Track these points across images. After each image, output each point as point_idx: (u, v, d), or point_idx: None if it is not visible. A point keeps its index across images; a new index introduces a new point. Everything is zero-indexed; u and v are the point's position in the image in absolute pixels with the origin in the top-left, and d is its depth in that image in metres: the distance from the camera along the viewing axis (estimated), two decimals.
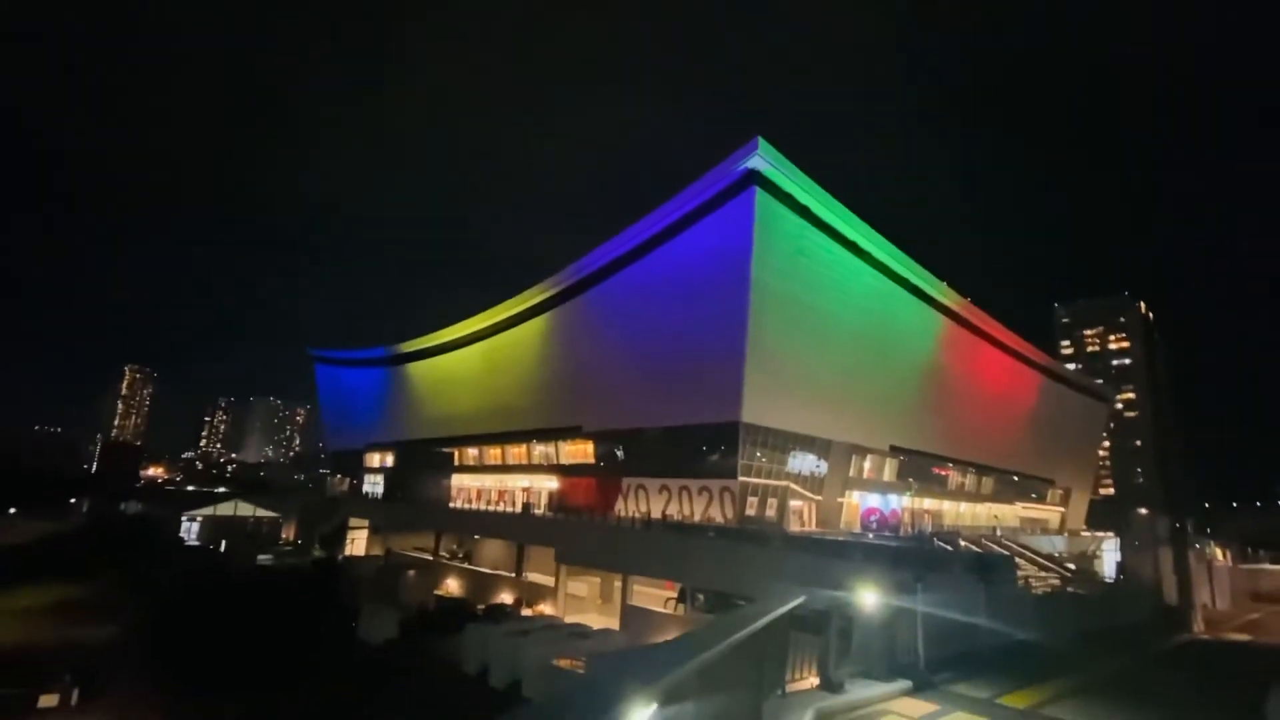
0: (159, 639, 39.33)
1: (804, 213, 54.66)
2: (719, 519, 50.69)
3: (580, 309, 67.89)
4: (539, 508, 67.11)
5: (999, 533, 66.19)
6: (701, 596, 36.61)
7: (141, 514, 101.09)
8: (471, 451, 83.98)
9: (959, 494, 79.45)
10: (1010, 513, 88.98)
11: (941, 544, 46.91)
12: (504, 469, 78.96)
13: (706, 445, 53.58)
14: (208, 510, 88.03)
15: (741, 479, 50.75)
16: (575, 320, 68.81)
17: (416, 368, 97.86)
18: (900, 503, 66.24)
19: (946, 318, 73.15)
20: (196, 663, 34.80)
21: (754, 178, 50.58)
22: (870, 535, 54.03)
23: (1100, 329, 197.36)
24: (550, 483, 69.82)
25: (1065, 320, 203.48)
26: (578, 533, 48.93)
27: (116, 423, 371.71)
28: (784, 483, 54.57)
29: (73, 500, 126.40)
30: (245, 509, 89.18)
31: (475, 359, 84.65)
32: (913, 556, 30.66)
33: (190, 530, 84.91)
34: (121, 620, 44.36)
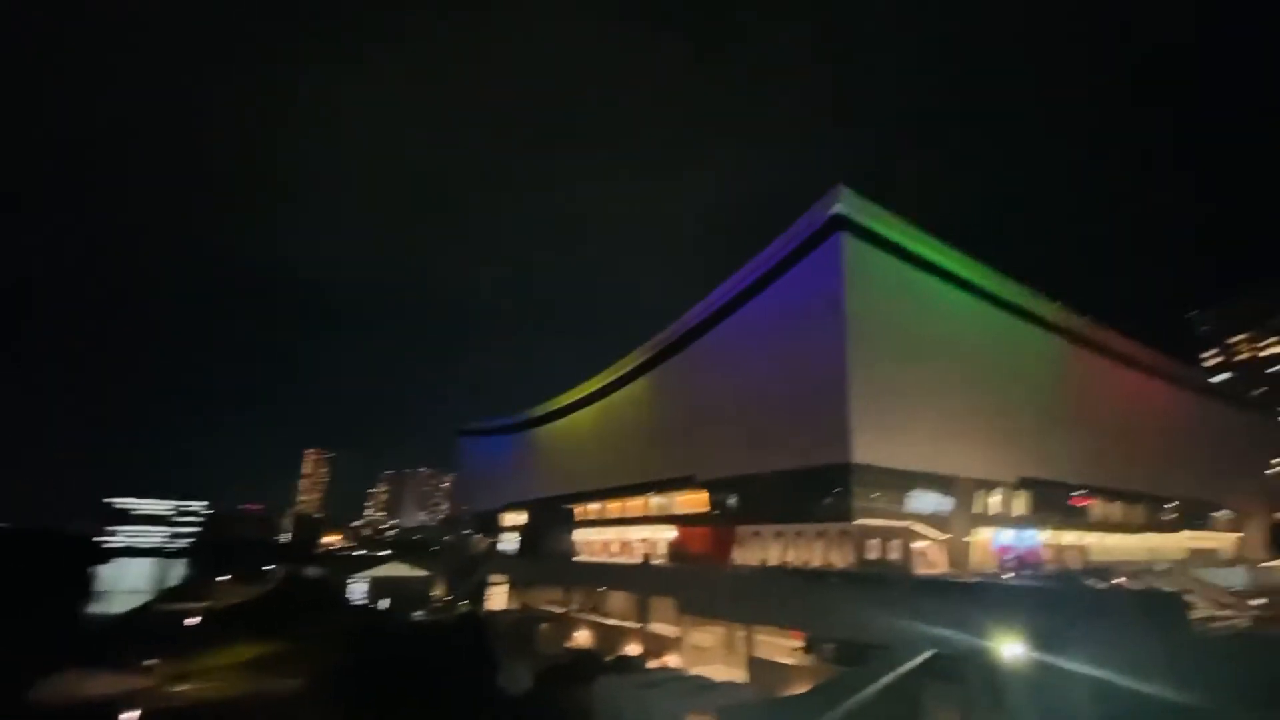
0: (334, 691, 41.35)
1: (896, 250, 52.34)
2: (839, 564, 47.04)
3: (684, 363, 67.90)
4: (658, 558, 65.70)
5: (1161, 567, 56.54)
6: (830, 646, 33.62)
7: (321, 577, 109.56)
8: (593, 506, 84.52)
9: (1106, 526, 69.24)
10: (1172, 543, 76.14)
11: (1094, 582, 40.54)
12: (623, 521, 78.56)
13: (819, 489, 50.50)
14: (372, 572, 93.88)
15: (859, 521, 47.09)
16: (680, 374, 68.78)
17: (540, 432, 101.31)
18: (1038, 539, 58.54)
19: (1066, 339, 66.09)
20: (366, 709, 36.13)
21: (839, 223, 49.37)
22: (1008, 576, 47.85)
23: (1250, 334, 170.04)
24: (668, 533, 68.38)
25: (1206, 328, 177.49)
26: (696, 582, 47.13)
27: (301, 498, 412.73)
28: (905, 523, 49.94)
29: (269, 567, 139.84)
30: (402, 569, 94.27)
31: (591, 419, 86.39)
32: (1061, 599, 26.47)
33: (358, 590, 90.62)
34: (303, 674, 47.22)
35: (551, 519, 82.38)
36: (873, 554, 47.45)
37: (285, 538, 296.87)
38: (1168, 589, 39.57)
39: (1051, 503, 62.23)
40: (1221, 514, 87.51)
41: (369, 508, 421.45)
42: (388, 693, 38.06)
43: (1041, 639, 11.46)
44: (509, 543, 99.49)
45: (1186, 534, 79.69)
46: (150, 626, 71.80)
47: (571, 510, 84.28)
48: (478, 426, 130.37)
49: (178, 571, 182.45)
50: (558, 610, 62.97)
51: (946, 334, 54.46)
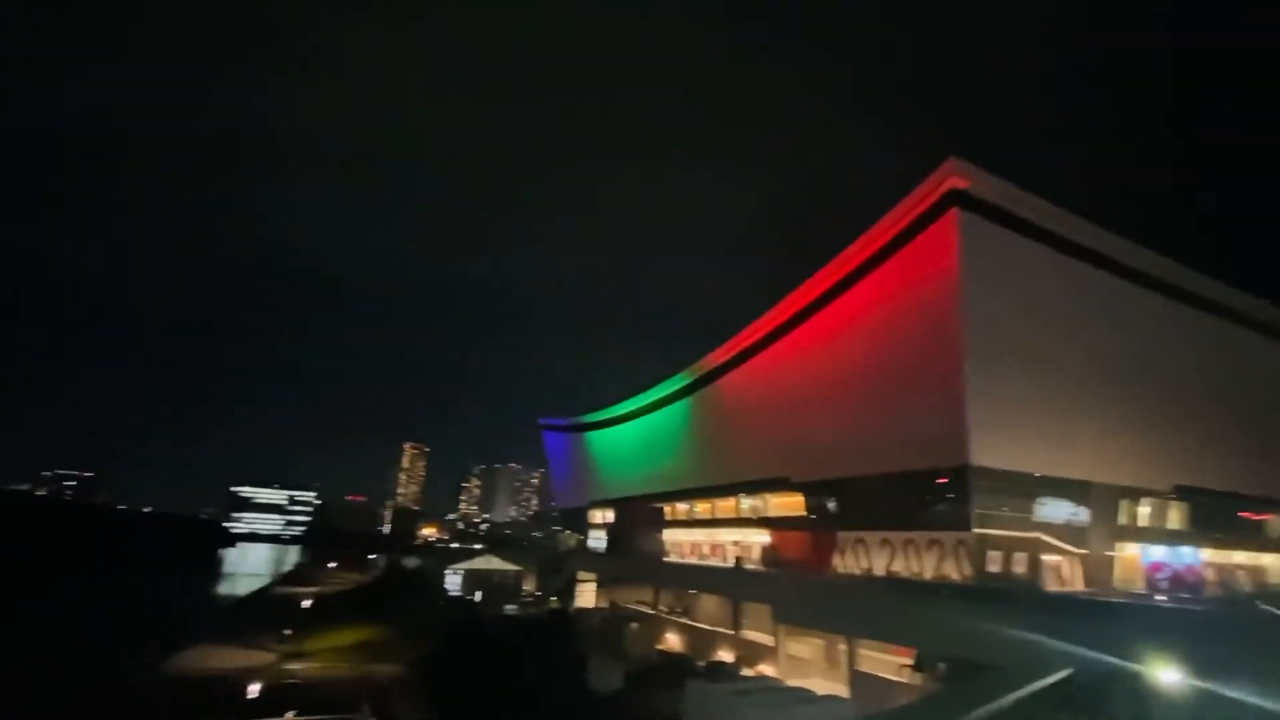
0: (431, 678, 44.19)
1: (1023, 227, 48.47)
2: (955, 576, 44.43)
3: (778, 356, 66.50)
4: (751, 562, 64.91)
5: None
6: (943, 665, 31.87)
7: (419, 567, 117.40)
8: (681, 506, 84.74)
9: None
10: None
11: (1271, 610, 35.77)
12: (713, 523, 78.20)
13: (931, 493, 47.89)
14: (466, 564, 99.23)
15: (977, 531, 44.19)
16: (775, 368, 67.43)
17: (628, 428, 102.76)
18: (1197, 557, 52.50)
19: (1233, 322, 58.73)
20: (460, 698, 38.38)
21: (954, 198, 46.44)
22: (1160, 597, 43.30)
23: None
24: (761, 537, 67.37)
25: None
26: (793, 590, 46.14)
27: (400, 491, 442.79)
28: (1033, 534, 46.41)
29: (372, 556, 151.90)
30: (494, 563, 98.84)
31: (681, 415, 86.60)
32: (1227, 624, 23.54)
33: (454, 582, 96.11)
34: (404, 659, 50.84)
35: (639, 517, 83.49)
36: (995, 567, 44.50)
37: (386, 528, 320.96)
38: None
39: (1217, 516, 55.56)
40: None
41: (463, 501, 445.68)
42: (481, 683, 40.12)
43: (1201, 666, 10.25)
44: (597, 540, 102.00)
45: None
46: (269, 607, 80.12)
47: (660, 509, 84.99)
48: (561, 423, 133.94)
49: (292, 557, 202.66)
50: (647, 611, 63.78)
51: (1085, 318, 49.93)
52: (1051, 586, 45.29)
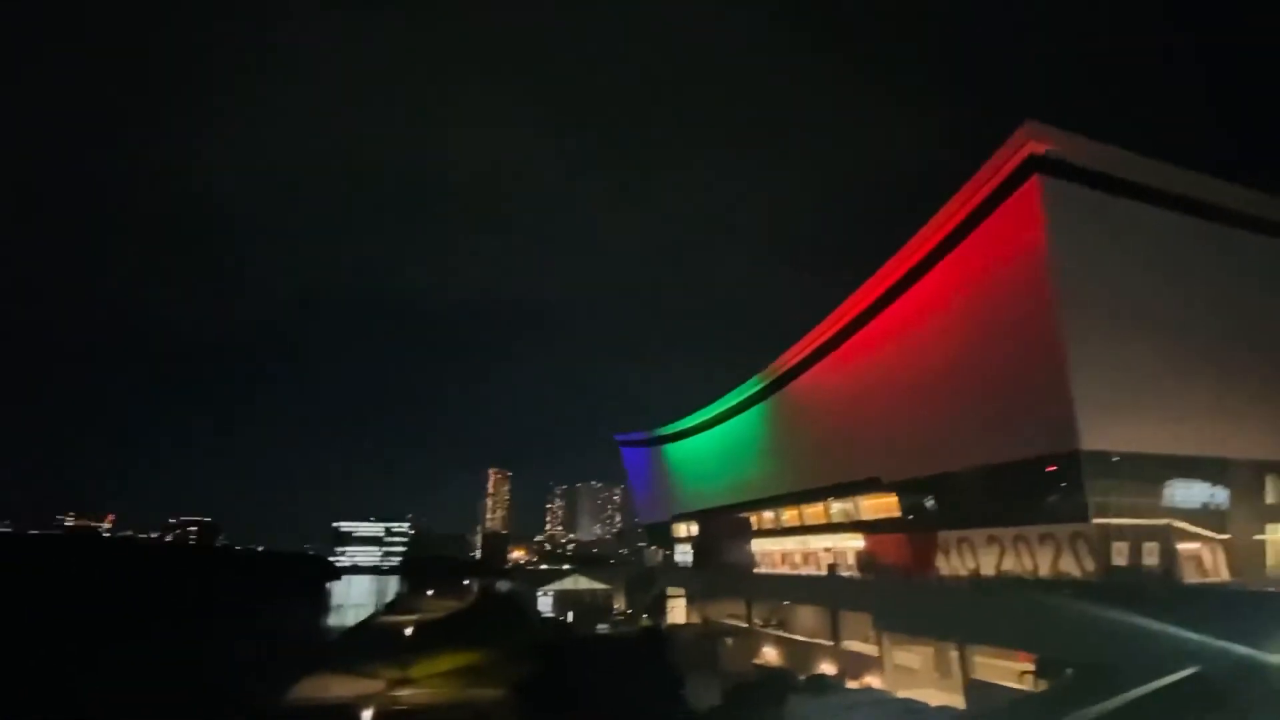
0: (532, 698, 45.20)
1: (1115, 186, 45.13)
2: (1075, 572, 41.33)
3: (856, 350, 64.50)
4: (846, 569, 62.79)
5: None
6: (1070, 670, 29.67)
7: (511, 591, 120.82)
8: (768, 514, 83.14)
9: None
10: None
11: None
12: (803, 530, 76.22)
13: (1039, 484, 44.81)
14: (556, 585, 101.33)
15: (1097, 520, 40.91)
16: (853, 363, 65.41)
17: (705, 437, 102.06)
18: None
19: None
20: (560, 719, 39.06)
21: (1033, 165, 43.86)
22: None
23: None
24: (855, 542, 65.08)
25: None
26: (894, 596, 44.32)
27: (488, 516, 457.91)
28: (1163, 521, 42.56)
29: (466, 581, 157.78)
30: (584, 583, 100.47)
31: (759, 419, 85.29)
32: None
33: (545, 604, 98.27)
34: (505, 682, 52.26)
35: (724, 529, 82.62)
36: (1121, 559, 41.09)
37: (477, 554, 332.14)
38: None
39: None
40: None
41: (548, 522, 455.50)
42: (580, 704, 40.71)
43: None
44: (683, 554, 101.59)
45: None
46: (374, 636, 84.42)
47: (746, 519, 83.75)
48: (638, 437, 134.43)
49: (392, 587, 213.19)
50: (740, 625, 62.92)
51: (1204, 277, 45.78)
52: (1191, 578, 41.34)
